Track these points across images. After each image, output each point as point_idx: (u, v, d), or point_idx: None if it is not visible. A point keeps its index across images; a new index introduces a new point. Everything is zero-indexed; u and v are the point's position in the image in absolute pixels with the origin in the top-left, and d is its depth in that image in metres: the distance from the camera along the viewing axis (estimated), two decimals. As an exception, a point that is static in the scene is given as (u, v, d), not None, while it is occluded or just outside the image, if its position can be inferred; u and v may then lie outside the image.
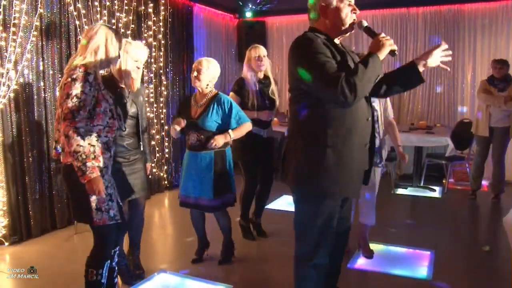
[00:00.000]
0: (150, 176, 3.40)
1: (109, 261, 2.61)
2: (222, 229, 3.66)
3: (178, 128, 3.37)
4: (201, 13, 6.89)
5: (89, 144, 2.36)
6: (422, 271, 3.54)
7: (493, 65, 5.34)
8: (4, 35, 3.86)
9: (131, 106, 3.04)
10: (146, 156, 3.35)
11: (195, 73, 3.37)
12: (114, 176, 3.00)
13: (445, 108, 6.97)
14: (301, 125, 2.27)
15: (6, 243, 3.99)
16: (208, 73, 3.37)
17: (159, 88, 5.93)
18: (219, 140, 3.32)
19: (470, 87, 6.77)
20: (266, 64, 4.05)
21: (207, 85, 3.41)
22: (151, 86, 5.78)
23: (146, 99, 5.65)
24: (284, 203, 5.36)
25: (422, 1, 6.83)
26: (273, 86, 4.12)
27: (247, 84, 4.00)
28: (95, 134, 2.42)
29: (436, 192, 5.96)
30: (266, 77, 4.09)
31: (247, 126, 3.50)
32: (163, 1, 5.88)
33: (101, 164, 2.42)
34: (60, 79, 4.40)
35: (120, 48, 2.59)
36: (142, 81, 3.17)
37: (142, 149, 3.19)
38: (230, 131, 3.39)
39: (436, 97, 7.00)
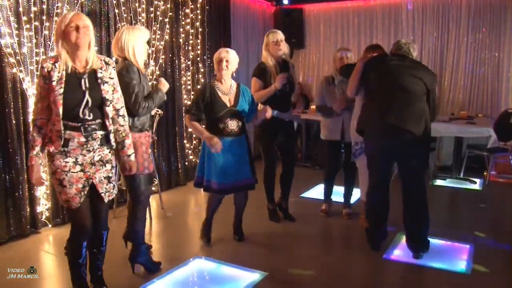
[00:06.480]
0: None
1: (84, 244, 2.73)
2: (239, 207, 3.86)
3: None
4: (238, 0, 6.87)
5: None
6: (460, 264, 3.47)
7: None
8: (47, 24, 3.98)
9: (145, 89, 3.13)
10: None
11: (224, 62, 3.49)
12: None
13: (488, 97, 6.66)
14: None
15: (50, 225, 4.16)
16: (234, 62, 3.58)
17: (196, 76, 5.98)
18: (268, 115, 3.64)
19: (516, 76, 6.47)
20: (284, 48, 4.08)
21: (232, 74, 3.59)
22: (188, 73, 5.83)
23: (184, 86, 5.74)
24: (319, 192, 5.33)
25: (466, -15, 6.52)
26: (291, 70, 4.17)
27: (268, 68, 4.04)
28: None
29: (476, 185, 5.79)
30: (284, 61, 4.13)
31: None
32: (200, -11, 5.91)
33: (34, 153, 2.55)
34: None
35: None
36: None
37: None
38: (267, 107, 3.67)
39: (478, 86, 6.68)
